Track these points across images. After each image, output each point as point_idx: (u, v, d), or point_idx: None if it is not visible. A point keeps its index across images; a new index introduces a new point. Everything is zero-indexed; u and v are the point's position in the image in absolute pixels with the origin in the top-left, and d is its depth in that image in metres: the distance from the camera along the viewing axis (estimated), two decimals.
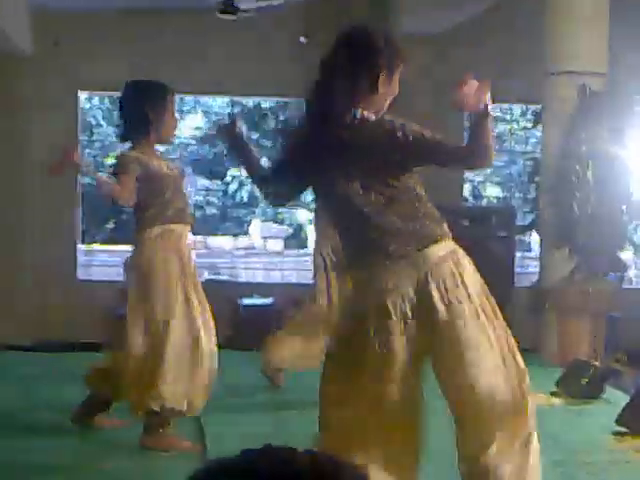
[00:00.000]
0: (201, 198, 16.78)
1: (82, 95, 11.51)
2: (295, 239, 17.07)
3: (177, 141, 15.02)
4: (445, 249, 3.17)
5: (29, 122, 10.66)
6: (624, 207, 7.56)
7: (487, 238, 9.80)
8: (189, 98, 13.66)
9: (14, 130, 10.58)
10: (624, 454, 4.83)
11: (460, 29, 10.34)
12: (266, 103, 16.25)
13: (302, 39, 11.09)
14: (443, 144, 3.22)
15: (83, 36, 10.45)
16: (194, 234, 16.06)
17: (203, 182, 17.17)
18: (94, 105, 17.04)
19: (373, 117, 3.18)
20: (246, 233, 16.91)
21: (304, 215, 16.53)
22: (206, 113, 17.41)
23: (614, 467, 4.67)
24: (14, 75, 10.51)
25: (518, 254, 11.50)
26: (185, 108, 15.44)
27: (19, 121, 10.61)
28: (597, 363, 6.25)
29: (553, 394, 6.18)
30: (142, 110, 4.83)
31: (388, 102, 3.30)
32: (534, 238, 12.31)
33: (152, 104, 4.85)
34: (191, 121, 17.37)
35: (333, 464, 1.18)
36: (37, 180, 10.69)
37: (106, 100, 16.33)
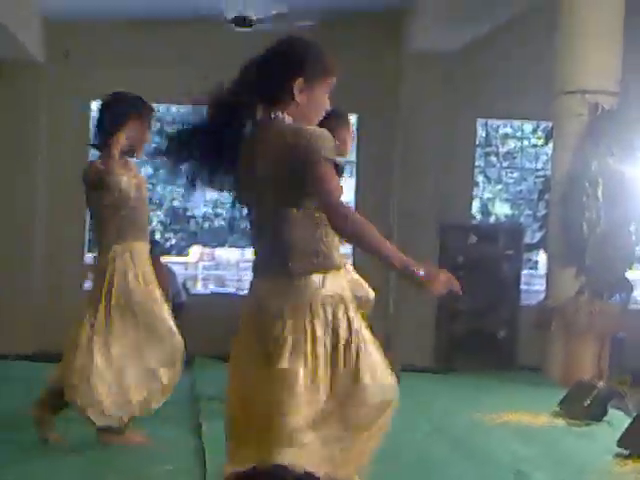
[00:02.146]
0: (210, 210, 16.80)
1: (95, 104, 11.53)
2: None
3: None
4: (336, 280, 3.09)
5: (41, 129, 10.72)
6: (632, 227, 7.53)
7: (495, 256, 9.80)
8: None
9: (26, 135, 10.62)
10: (626, 476, 4.79)
11: (472, 47, 10.35)
12: None
13: None
14: (325, 187, 2.99)
15: (96, 46, 10.51)
16: (203, 246, 16.10)
17: (212, 194, 17.20)
18: None
19: (290, 120, 3.14)
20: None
21: None
22: None
23: None
24: (28, 83, 10.56)
25: (525, 271, 11.48)
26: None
27: (31, 127, 10.66)
28: (601, 384, 6.21)
29: (556, 414, 6.15)
30: (110, 122, 4.92)
31: (316, 116, 3.22)
32: (541, 256, 12.28)
33: (120, 117, 4.91)
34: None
35: None
36: (46, 189, 10.73)
37: None
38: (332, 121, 5.52)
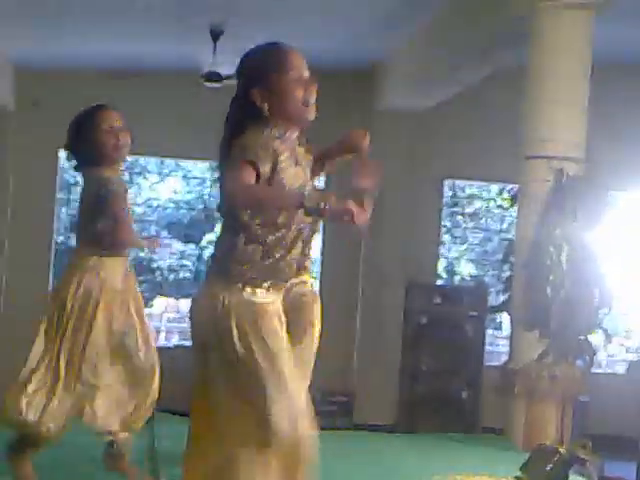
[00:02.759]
0: (175, 262, 16.74)
1: (62, 154, 11.53)
2: None
3: (155, 203, 15.02)
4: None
5: (10, 178, 10.70)
6: (596, 292, 7.57)
7: (459, 316, 9.83)
8: (169, 161, 13.66)
9: None
10: None
11: (441, 107, 10.46)
12: None
13: None
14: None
15: (65, 96, 10.50)
16: (167, 297, 15.99)
17: (177, 246, 17.13)
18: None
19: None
20: None
21: None
22: (185, 177, 17.44)
23: None
24: None
25: (489, 332, 11.51)
26: (165, 171, 15.48)
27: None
28: (563, 449, 6.20)
29: (517, 479, 6.12)
30: (80, 134, 4.85)
31: (293, 114, 3.24)
32: (505, 317, 12.31)
33: (88, 126, 4.85)
34: (170, 184, 17.38)
35: None
36: (11, 240, 10.69)
37: None
38: None
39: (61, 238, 11.58)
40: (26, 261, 10.55)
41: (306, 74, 3.26)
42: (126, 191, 4.87)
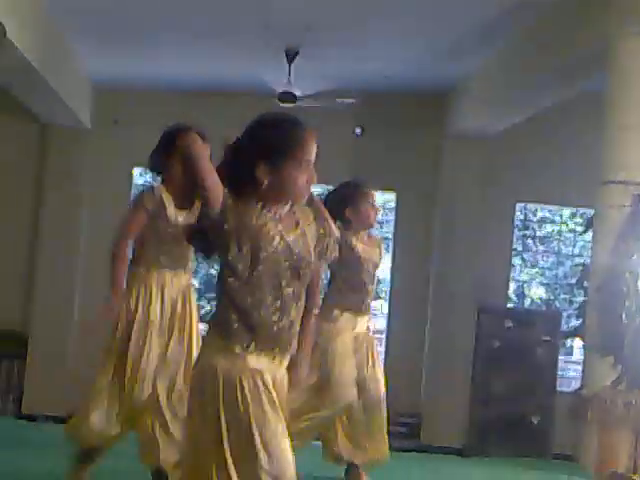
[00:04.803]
0: None
1: (136, 170, 11.71)
2: None
3: None
4: None
5: (85, 193, 10.89)
6: None
7: (531, 341, 9.76)
8: None
9: (71, 199, 10.80)
10: None
11: (515, 130, 10.43)
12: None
13: (358, 131, 11.25)
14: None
15: (142, 115, 10.69)
16: None
17: None
18: (147, 180, 17.24)
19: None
20: None
21: None
22: None
23: None
24: (75, 148, 10.77)
25: (560, 357, 11.41)
26: None
27: (76, 191, 10.84)
28: (636, 477, 6.14)
29: None
30: (161, 150, 4.86)
31: (290, 195, 3.10)
32: (576, 342, 12.20)
33: (168, 145, 4.78)
34: None
35: None
36: (86, 255, 10.85)
37: None
38: (352, 192, 5.53)
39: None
40: (101, 275, 10.70)
41: (314, 157, 3.14)
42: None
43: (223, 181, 3.04)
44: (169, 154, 4.82)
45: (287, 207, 3.15)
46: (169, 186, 4.89)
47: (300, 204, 3.20)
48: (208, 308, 16.68)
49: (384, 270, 11.14)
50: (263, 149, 3.06)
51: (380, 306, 13.08)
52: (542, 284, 14.99)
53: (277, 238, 3.07)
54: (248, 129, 3.12)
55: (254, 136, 3.10)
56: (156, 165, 4.98)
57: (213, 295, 3.24)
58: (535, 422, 9.85)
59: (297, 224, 3.16)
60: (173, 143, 4.61)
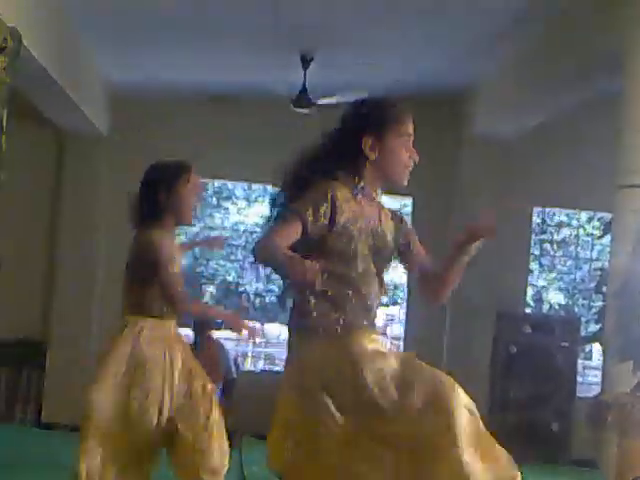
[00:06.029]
0: (261, 286, 16.84)
1: None
2: None
3: (242, 228, 15.15)
4: None
5: (103, 203, 10.87)
6: None
7: (550, 347, 9.69)
8: (257, 186, 13.77)
9: (87, 206, 10.79)
10: None
11: (533, 133, 10.37)
12: None
13: None
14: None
15: (159, 121, 10.69)
16: (253, 321, 16.09)
17: (265, 270, 17.24)
18: None
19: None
20: None
21: None
22: None
23: None
24: (91, 154, 10.76)
25: (579, 361, 11.34)
26: (253, 196, 15.62)
27: (92, 198, 10.84)
28: None
29: None
30: (154, 193, 4.73)
31: (397, 171, 3.22)
32: (595, 347, 12.12)
33: (164, 186, 4.72)
34: (257, 209, 17.53)
35: None
36: (105, 263, 10.84)
37: None
38: None
39: None
40: (119, 284, 10.68)
41: (412, 137, 3.25)
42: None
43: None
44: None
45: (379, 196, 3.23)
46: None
47: (402, 184, 3.19)
48: None
49: (401, 275, 11.08)
50: (366, 123, 3.14)
51: (398, 312, 13.04)
52: (560, 289, 14.93)
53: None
54: (349, 108, 3.22)
55: (357, 113, 3.16)
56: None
57: None
58: (554, 428, 9.78)
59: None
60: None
